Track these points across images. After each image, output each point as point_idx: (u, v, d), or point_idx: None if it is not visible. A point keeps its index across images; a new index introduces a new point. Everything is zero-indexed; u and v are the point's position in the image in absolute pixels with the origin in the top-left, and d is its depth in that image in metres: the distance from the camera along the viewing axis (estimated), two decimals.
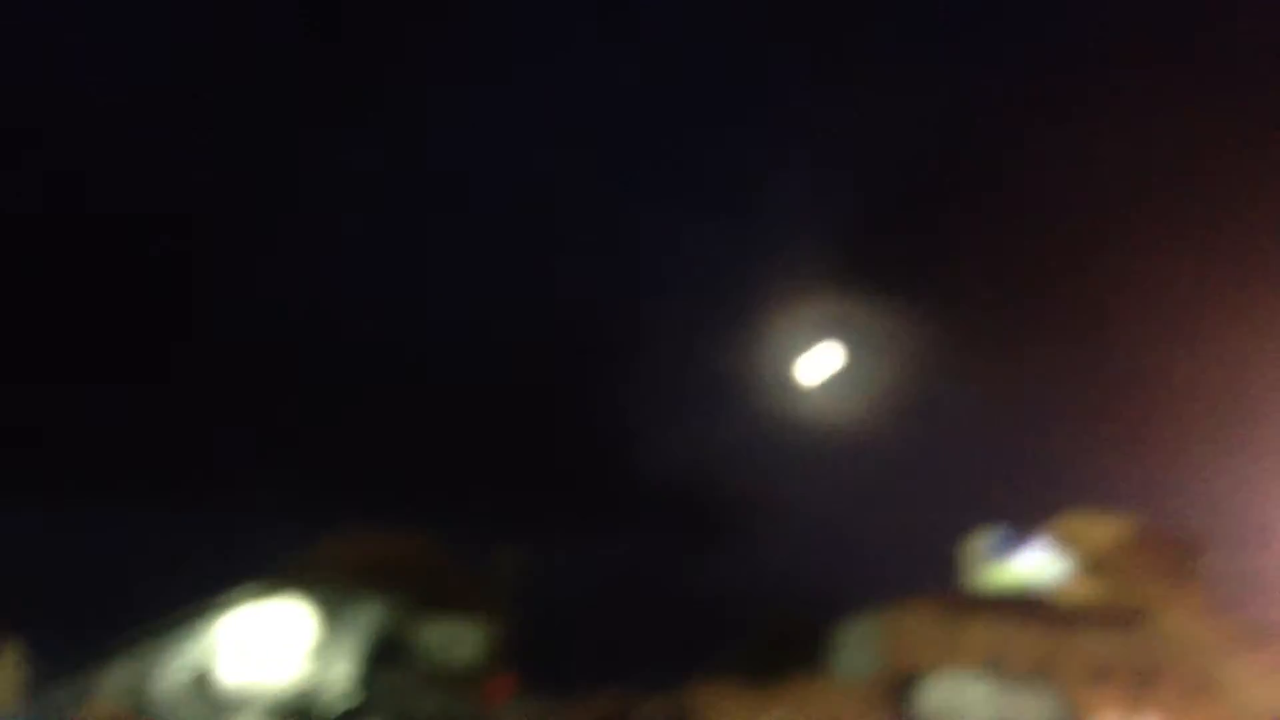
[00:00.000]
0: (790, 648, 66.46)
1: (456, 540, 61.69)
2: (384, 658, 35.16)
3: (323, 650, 34.54)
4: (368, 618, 35.43)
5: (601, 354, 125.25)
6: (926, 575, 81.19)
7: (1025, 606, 60.01)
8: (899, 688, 43.00)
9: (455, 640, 50.25)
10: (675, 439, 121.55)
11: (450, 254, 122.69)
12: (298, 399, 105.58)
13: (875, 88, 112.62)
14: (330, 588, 36.71)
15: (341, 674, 34.09)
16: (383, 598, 36.06)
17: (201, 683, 31.77)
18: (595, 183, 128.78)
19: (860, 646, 62.21)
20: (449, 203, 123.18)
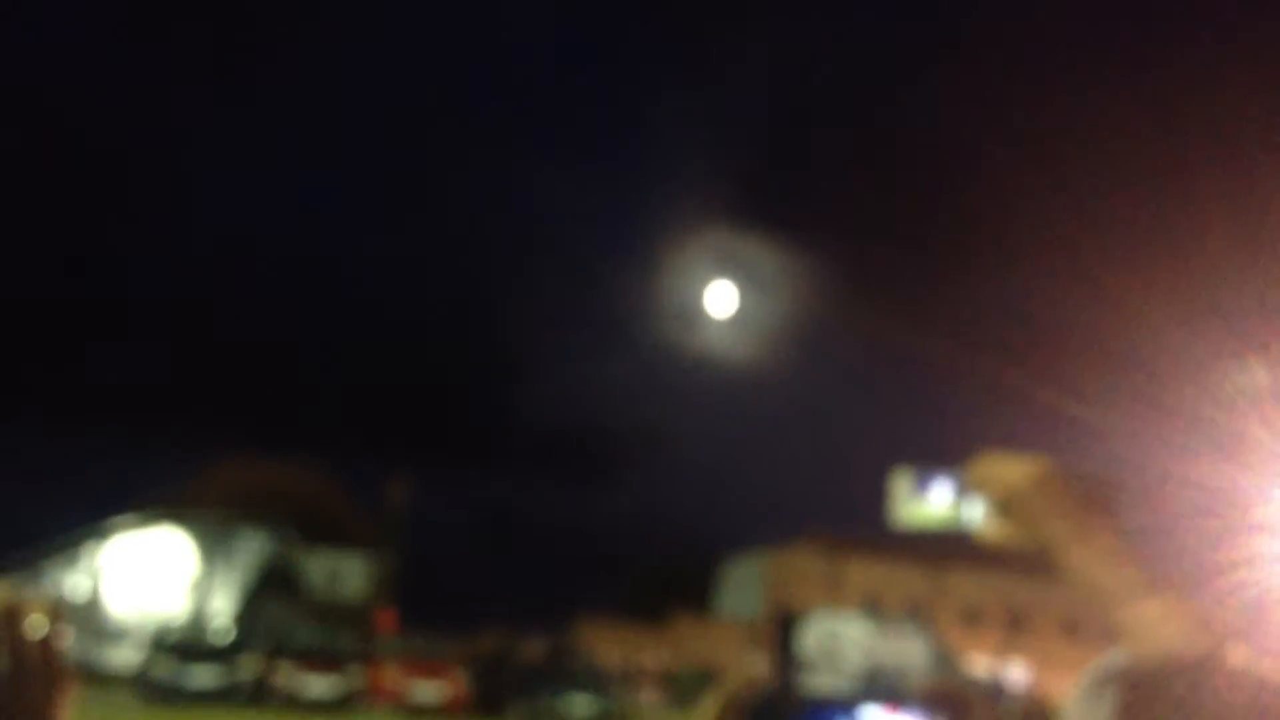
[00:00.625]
0: (674, 586, 67.46)
1: (343, 473, 61.64)
2: (268, 588, 35.02)
3: (206, 580, 34.31)
4: (251, 548, 35.23)
5: (490, 294, 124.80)
6: (810, 516, 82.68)
7: (936, 545, 61.43)
8: (779, 626, 43.85)
9: (340, 572, 50.23)
10: (563, 378, 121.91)
11: (333, 188, 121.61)
12: (187, 328, 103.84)
13: (766, 20, 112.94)
14: (215, 517, 36.39)
15: (225, 605, 33.93)
16: (268, 528, 35.84)
17: (83, 611, 31.43)
18: (477, 125, 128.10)
19: (743, 586, 63.34)
20: (334, 150, 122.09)
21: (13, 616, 1.00)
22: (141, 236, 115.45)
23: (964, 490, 1.48)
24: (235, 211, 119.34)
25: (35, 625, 0.99)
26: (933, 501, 1.49)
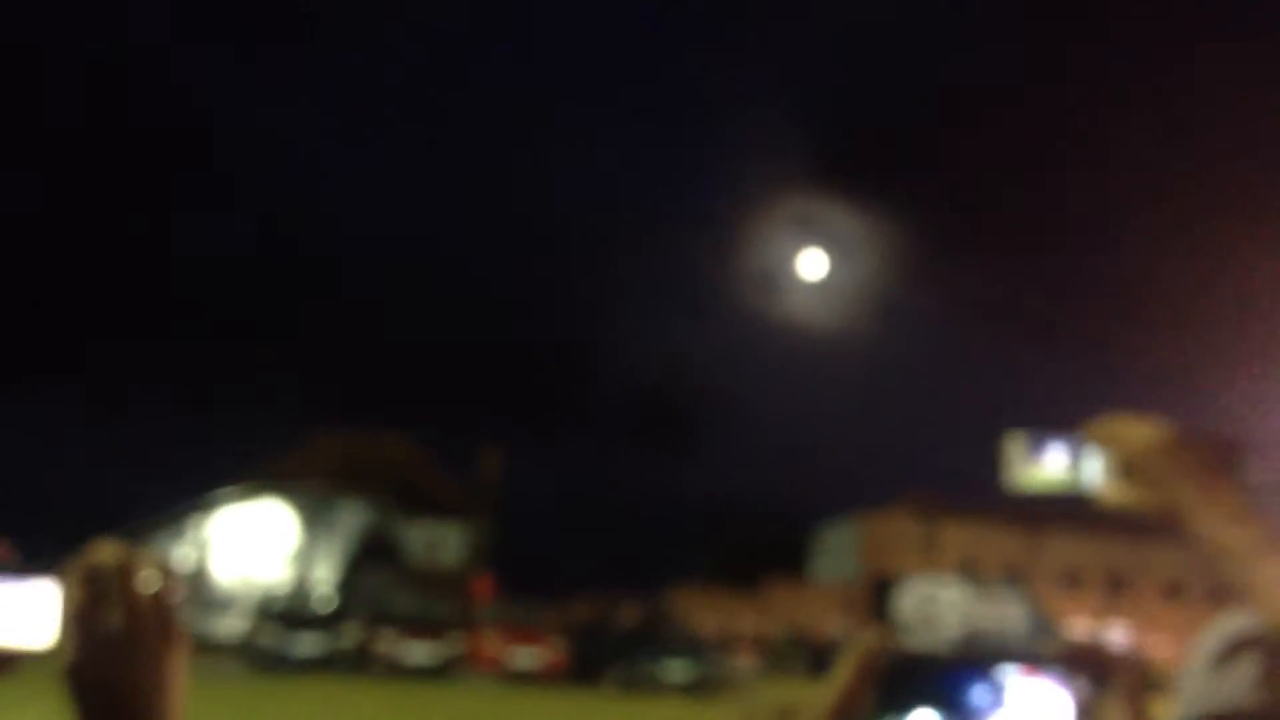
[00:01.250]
0: (767, 552, 67.43)
1: (438, 445, 62.32)
2: (368, 558, 35.54)
3: (308, 551, 34.91)
4: (352, 519, 35.78)
5: (577, 266, 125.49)
6: (905, 481, 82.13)
7: (1034, 509, 60.74)
8: (873, 591, 43.72)
9: (437, 542, 50.86)
10: (651, 346, 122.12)
11: (422, 169, 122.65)
12: (283, 306, 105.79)
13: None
14: (315, 489, 36.99)
15: (326, 574, 34.51)
16: (366, 499, 36.37)
17: (189, 582, 32.15)
18: (559, 101, 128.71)
19: (838, 550, 63.13)
20: (419, 119, 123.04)
21: (125, 573, 1.01)
22: (239, 216, 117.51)
23: (1081, 452, 1.49)
24: (327, 189, 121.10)
25: (147, 582, 1.02)
26: (1048, 465, 1.50)
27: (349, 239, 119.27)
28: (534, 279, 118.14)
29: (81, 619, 0.99)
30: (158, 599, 1.01)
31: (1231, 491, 1.38)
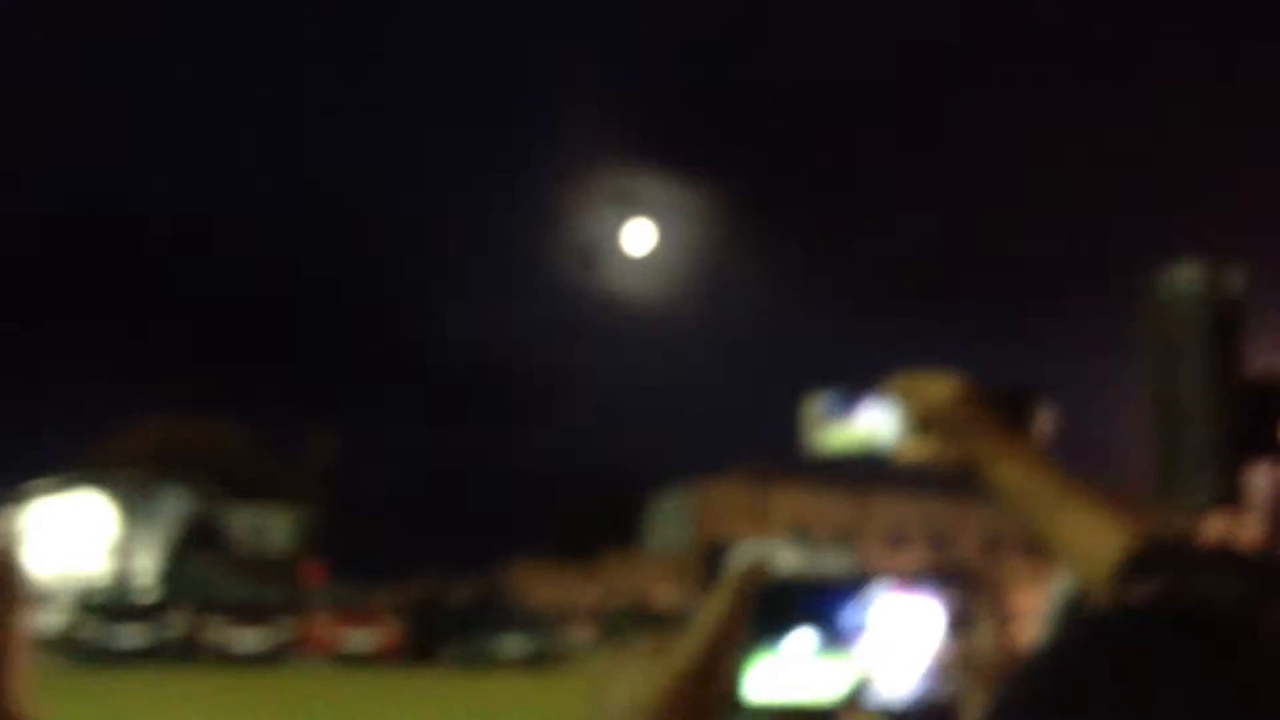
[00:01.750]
0: (601, 524, 67.81)
1: (263, 429, 61.05)
2: (192, 545, 34.79)
3: (129, 540, 33.99)
4: (174, 506, 34.95)
5: (399, 243, 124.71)
6: (734, 449, 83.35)
7: (860, 471, 62.26)
8: (709, 556, 44.39)
9: (265, 526, 49.85)
10: (476, 322, 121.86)
11: (240, 141, 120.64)
12: (95, 287, 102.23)
13: None
14: (134, 477, 35.97)
15: (149, 563, 33.66)
16: (189, 486, 35.55)
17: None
18: (374, 72, 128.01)
19: (670, 520, 63.82)
20: (234, 101, 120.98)
21: None
22: (52, 192, 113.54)
23: (879, 410, 1.49)
24: (155, 163, 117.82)
25: None
26: (847, 425, 1.49)
27: (174, 217, 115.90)
28: (359, 260, 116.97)
29: None
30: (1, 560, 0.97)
31: (1028, 443, 1.40)
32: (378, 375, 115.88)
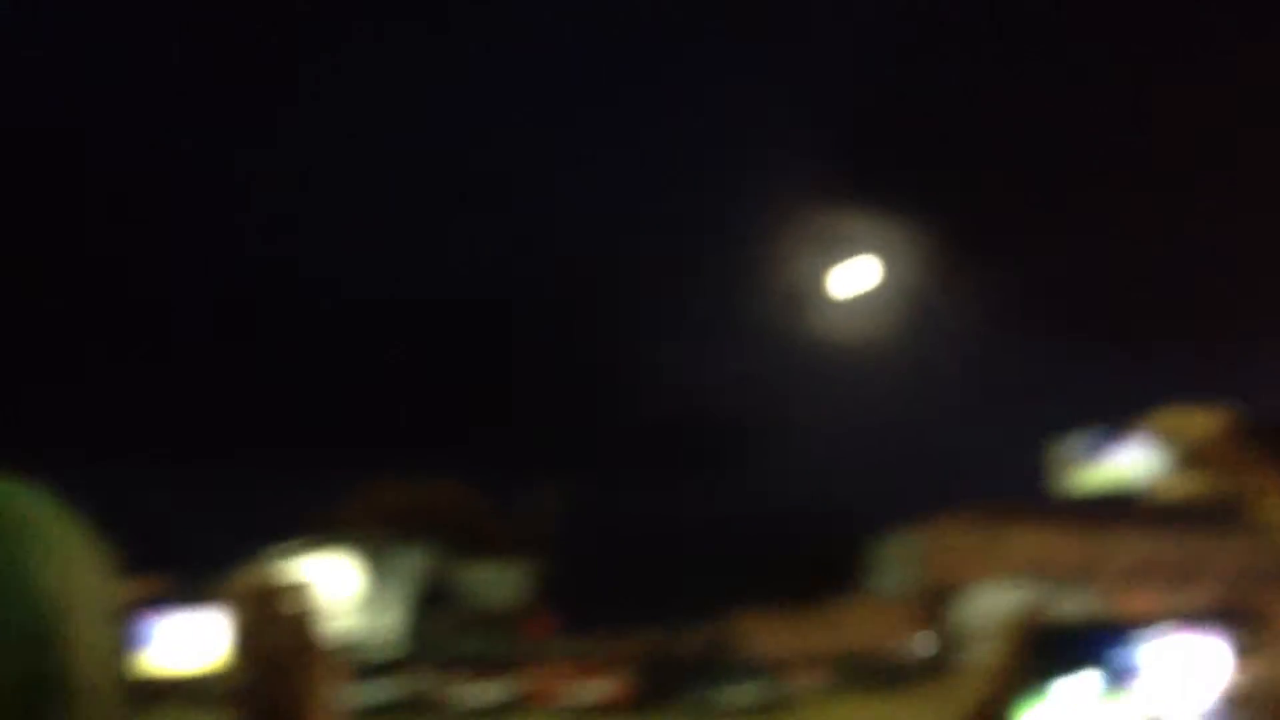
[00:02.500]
0: (827, 568, 67.24)
1: (487, 486, 62.84)
2: (429, 603, 35.92)
3: (370, 600, 35.33)
4: (411, 566, 36.20)
5: (610, 294, 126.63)
6: (963, 491, 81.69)
7: (1095, 509, 60.36)
8: (938, 601, 43.60)
9: (495, 582, 51.15)
10: (695, 371, 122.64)
11: (454, 209, 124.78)
12: (326, 356, 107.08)
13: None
14: (372, 538, 37.43)
15: (390, 621, 34.89)
16: (423, 545, 36.81)
17: None
18: (581, 123, 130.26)
19: (897, 563, 62.90)
20: (444, 163, 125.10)
21: (276, 594, 1.06)
22: (292, 272, 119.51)
23: (1135, 448, 1.45)
24: (360, 237, 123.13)
25: (299, 603, 1.07)
26: (1103, 464, 1.46)
27: (391, 287, 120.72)
28: (566, 314, 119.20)
29: (240, 642, 1.05)
30: (309, 618, 1.09)
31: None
32: (597, 430, 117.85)
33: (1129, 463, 1.45)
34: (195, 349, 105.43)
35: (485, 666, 28.25)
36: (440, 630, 33.66)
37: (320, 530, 41.63)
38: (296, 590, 1.08)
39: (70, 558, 0.76)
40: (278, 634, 1.06)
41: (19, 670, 0.71)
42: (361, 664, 27.92)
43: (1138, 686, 1.03)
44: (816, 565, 68.87)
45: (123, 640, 0.82)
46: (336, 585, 35.06)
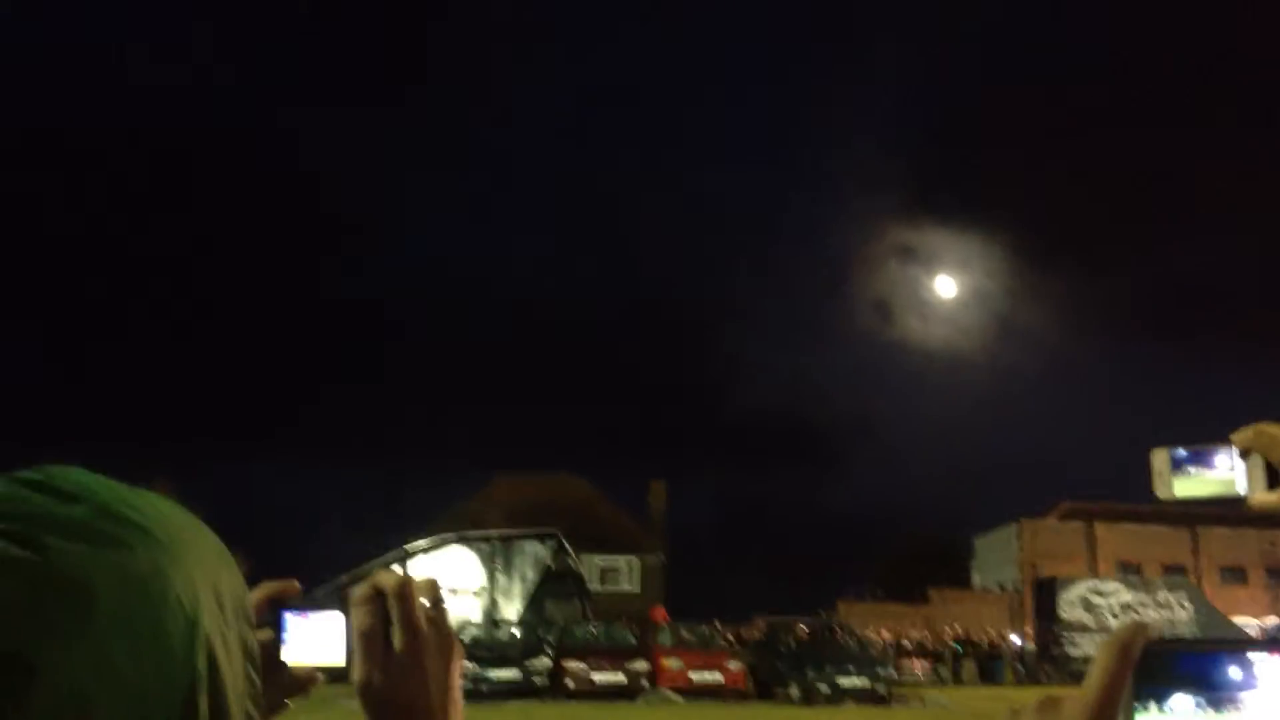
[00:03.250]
0: (930, 563, 67.97)
1: (604, 482, 64.54)
2: (550, 592, 37.28)
3: (495, 589, 36.86)
4: (533, 556, 37.60)
5: (713, 305, 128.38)
6: (1059, 489, 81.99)
7: (1192, 509, 60.52)
8: (1037, 592, 44.38)
9: (614, 572, 52.83)
10: (802, 374, 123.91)
11: (550, 227, 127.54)
12: (455, 363, 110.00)
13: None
14: (498, 531, 38.93)
15: (514, 610, 36.36)
16: (545, 537, 38.15)
17: None
18: (673, 142, 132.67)
19: (997, 559, 63.57)
20: (539, 183, 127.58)
21: (405, 595, 1.11)
22: (388, 275, 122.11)
23: (1232, 460, 1.48)
24: (478, 241, 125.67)
25: (424, 603, 1.13)
26: (1199, 475, 1.49)
27: (514, 297, 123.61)
28: (662, 314, 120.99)
29: (370, 640, 1.10)
30: (434, 617, 1.13)
31: None
32: (696, 430, 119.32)
33: (1221, 474, 1.49)
34: (325, 351, 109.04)
35: (605, 653, 29.49)
36: (562, 618, 35.08)
37: (450, 524, 43.51)
38: (426, 587, 1.14)
39: (211, 564, 0.85)
40: (399, 635, 1.10)
41: (177, 677, 0.78)
42: (488, 650, 29.45)
43: (1241, 707, 0.74)
44: (921, 560, 69.65)
45: (260, 641, 0.93)
46: (464, 578, 36.64)
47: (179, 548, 0.83)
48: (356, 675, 1.12)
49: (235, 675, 0.86)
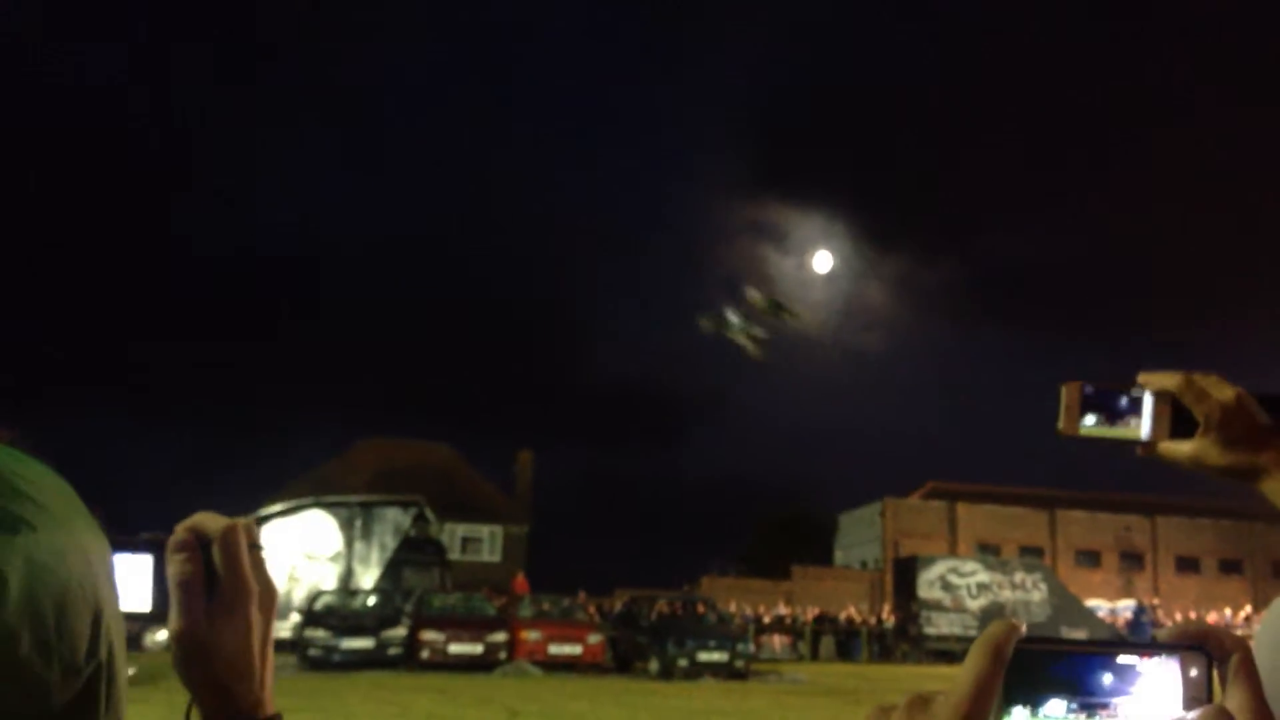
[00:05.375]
0: (793, 540, 68.69)
1: (469, 450, 64.11)
2: (410, 559, 36.77)
3: (353, 554, 36.21)
4: (393, 522, 37.01)
5: (573, 281, 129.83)
6: (923, 469, 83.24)
7: (1049, 490, 61.92)
8: (897, 570, 44.88)
9: (476, 542, 52.36)
10: (662, 346, 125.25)
11: (431, 195, 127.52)
12: (322, 321, 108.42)
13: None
14: (357, 495, 38.29)
15: (371, 576, 35.80)
16: (405, 503, 37.60)
17: None
18: (539, 119, 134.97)
19: (860, 537, 64.39)
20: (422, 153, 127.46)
21: (231, 539, 1.07)
22: (262, 239, 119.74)
23: (1138, 405, 1.47)
24: (339, 201, 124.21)
25: (242, 548, 1.07)
26: (1106, 418, 1.47)
27: (372, 259, 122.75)
28: (532, 292, 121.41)
29: (188, 586, 1.05)
30: (252, 563, 1.09)
31: None
32: (560, 402, 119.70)
33: (1126, 419, 1.48)
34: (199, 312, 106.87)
35: (464, 622, 29.12)
36: (421, 585, 34.59)
37: (309, 487, 42.65)
38: (245, 529, 1.10)
39: (96, 538, 0.82)
40: (234, 580, 1.06)
41: (82, 668, 0.76)
42: (343, 617, 28.87)
43: (1116, 715, 0.74)
44: (785, 537, 70.40)
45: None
46: (320, 543, 35.92)
47: (70, 524, 0.81)
48: (173, 624, 1.05)
49: (124, 657, 0.85)
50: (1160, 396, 1.46)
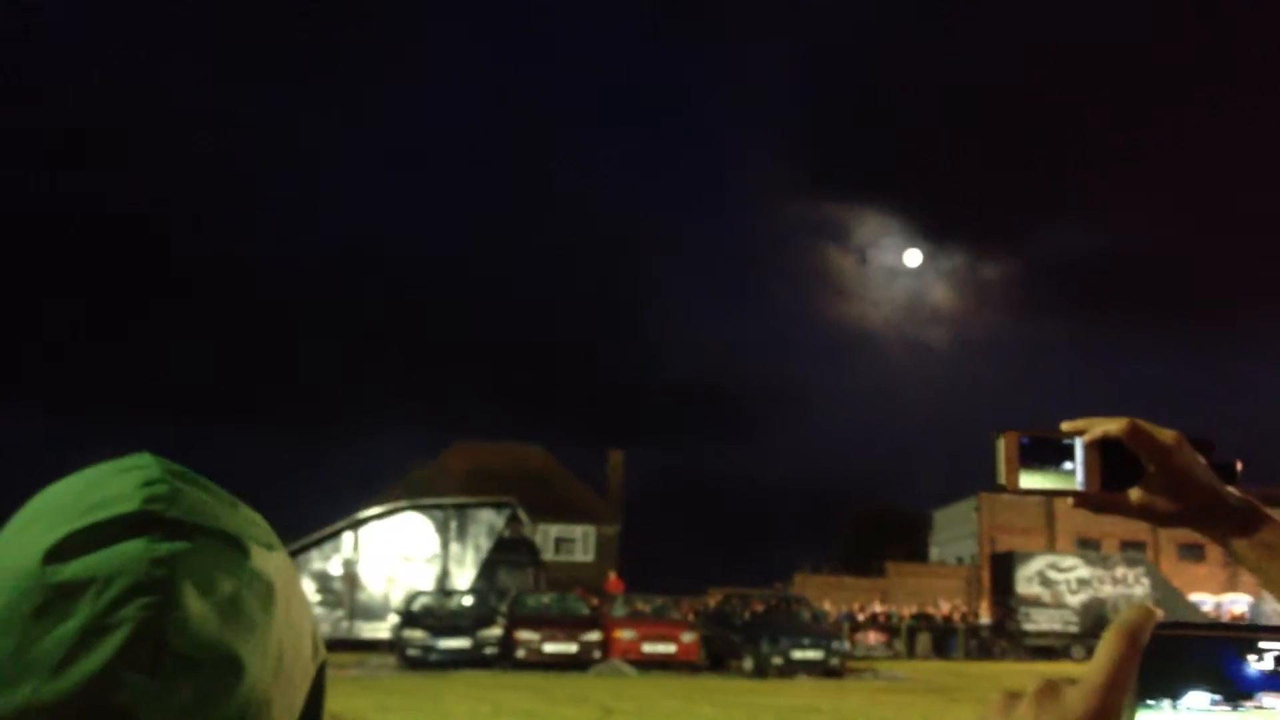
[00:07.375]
0: (888, 537, 68.16)
1: (562, 450, 64.55)
2: (505, 562, 37.02)
3: (449, 556, 36.53)
4: (488, 523, 37.29)
5: (648, 275, 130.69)
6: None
7: None
8: (994, 566, 44.35)
9: (569, 542, 52.64)
10: (710, 345, 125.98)
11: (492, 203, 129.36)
12: (416, 328, 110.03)
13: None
14: (452, 499, 38.62)
15: (467, 577, 36.09)
16: (500, 504, 37.86)
17: (343, 590, 34.09)
18: (598, 132, 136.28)
19: (955, 533, 63.69)
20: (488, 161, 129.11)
21: None
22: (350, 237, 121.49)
23: (1075, 453, 1.40)
24: (397, 213, 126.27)
25: None
26: (1046, 467, 1.40)
27: (474, 272, 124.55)
28: (616, 284, 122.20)
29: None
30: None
31: (1234, 497, 1.33)
32: (646, 402, 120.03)
33: (1066, 466, 1.40)
34: (285, 316, 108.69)
35: (558, 621, 29.23)
36: (515, 586, 34.82)
37: (405, 489, 43.15)
38: None
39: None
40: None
41: (310, 670, 0.83)
42: (439, 617, 29.16)
43: (1258, 701, 0.67)
44: (880, 534, 69.88)
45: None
46: (416, 546, 36.28)
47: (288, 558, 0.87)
48: None
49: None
50: (1090, 446, 1.38)
